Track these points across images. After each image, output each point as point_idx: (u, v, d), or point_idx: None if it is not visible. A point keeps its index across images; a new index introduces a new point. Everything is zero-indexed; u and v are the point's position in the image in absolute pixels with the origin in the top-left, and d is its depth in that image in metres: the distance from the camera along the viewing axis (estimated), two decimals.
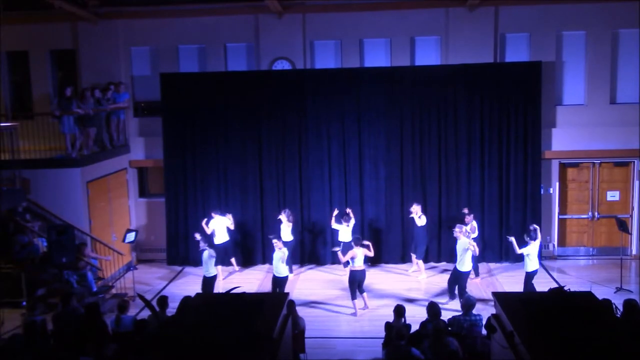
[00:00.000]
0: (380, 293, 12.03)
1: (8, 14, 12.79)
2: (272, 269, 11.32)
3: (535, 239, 10.80)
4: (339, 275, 13.13)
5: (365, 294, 11.14)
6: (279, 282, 11.07)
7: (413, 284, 12.63)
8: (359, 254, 10.84)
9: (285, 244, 11.73)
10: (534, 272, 10.82)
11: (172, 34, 14.29)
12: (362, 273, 10.97)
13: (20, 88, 15.07)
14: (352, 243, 11.20)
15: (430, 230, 13.53)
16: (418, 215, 12.66)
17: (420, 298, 11.57)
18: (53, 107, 12.93)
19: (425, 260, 13.66)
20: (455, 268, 11.20)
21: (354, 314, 10.99)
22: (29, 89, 14.71)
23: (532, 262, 10.77)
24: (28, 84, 14.70)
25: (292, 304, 8.13)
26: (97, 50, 14.26)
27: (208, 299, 7.89)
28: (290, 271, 12.56)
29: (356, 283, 10.93)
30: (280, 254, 10.95)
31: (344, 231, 12.65)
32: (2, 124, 11.59)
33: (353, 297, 10.99)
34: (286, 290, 11.02)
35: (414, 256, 13.14)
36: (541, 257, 13.61)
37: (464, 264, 10.95)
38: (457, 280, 11.10)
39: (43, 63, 14.59)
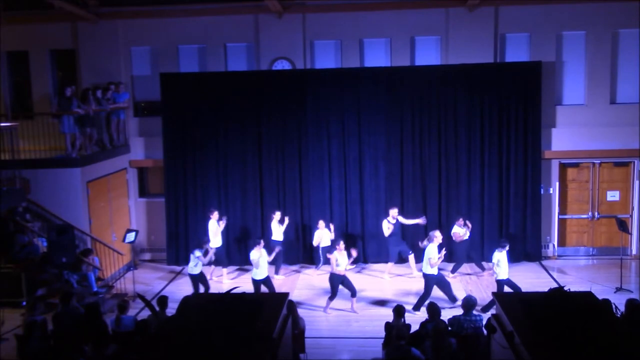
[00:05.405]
0: (380, 293, 12.03)
1: (8, 14, 12.81)
2: (270, 269, 11.41)
3: (503, 249, 10.80)
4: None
5: (354, 299, 11.08)
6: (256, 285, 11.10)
7: (414, 283, 12.63)
8: (339, 257, 10.86)
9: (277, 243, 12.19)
10: (505, 281, 10.70)
11: (172, 34, 14.29)
12: (343, 277, 10.94)
13: (20, 88, 15.07)
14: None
15: (429, 231, 13.53)
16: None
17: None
18: (54, 107, 12.93)
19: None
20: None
21: (324, 310, 11.06)
22: (29, 89, 14.71)
23: (502, 270, 10.70)
24: (28, 84, 14.70)
25: (292, 304, 8.13)
26: (97, 50, 14.26)
27: (208, 299, 7.89)
28: (276, 272, 12.78)
29: (336, 284, 10.92)
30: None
31: (326, 236, 12.77)
32: (2, 124, 11.60)
33: (330, 297, 11.06)
34: (286, 290, 11.02)
35: (391, 263, 13.03)
36: (540, 259, 13.76)
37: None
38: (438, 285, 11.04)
39: (43, 63, 14.59)
